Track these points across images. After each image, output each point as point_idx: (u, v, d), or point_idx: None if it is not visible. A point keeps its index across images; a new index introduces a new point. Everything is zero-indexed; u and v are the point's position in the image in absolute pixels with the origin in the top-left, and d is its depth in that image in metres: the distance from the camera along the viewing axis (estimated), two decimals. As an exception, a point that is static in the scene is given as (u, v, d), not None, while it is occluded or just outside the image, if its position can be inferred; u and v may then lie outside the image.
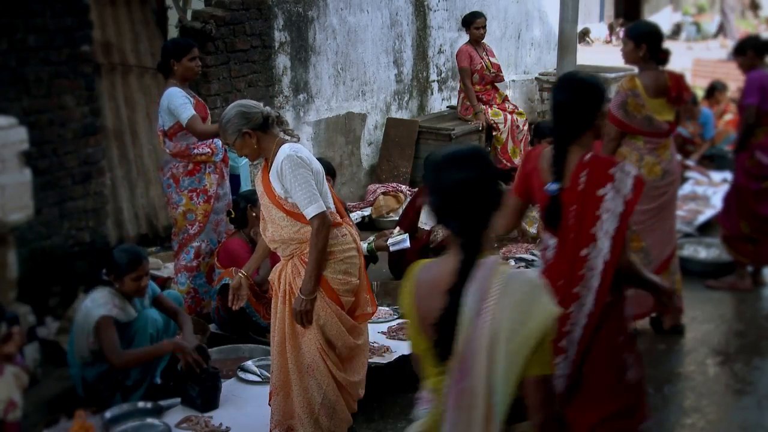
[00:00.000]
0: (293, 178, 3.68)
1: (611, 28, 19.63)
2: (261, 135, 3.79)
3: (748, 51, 6.39)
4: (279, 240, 3.81)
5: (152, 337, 4.45)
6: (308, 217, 3.68)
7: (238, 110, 3.80)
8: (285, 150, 3.74)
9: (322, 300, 3.74)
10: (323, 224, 3.67)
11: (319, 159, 6.27)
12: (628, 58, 5.25)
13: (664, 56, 5.21)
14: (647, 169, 5.19)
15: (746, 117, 6.07)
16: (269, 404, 3.96)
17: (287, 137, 3.86)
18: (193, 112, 5.19)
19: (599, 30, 20.55)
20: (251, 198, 5.10)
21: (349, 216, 5.93)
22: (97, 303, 4.27)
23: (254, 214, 5.11)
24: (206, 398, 4.23)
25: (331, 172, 5.49)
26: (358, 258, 3.86)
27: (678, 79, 5.23)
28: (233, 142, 3.82)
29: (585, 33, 19.45)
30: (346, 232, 3.85)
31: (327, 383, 3.77)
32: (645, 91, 5.15)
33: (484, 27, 8.89)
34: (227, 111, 3.84)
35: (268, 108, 3.86)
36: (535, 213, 6.86)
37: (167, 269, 5.76)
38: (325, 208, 3.70)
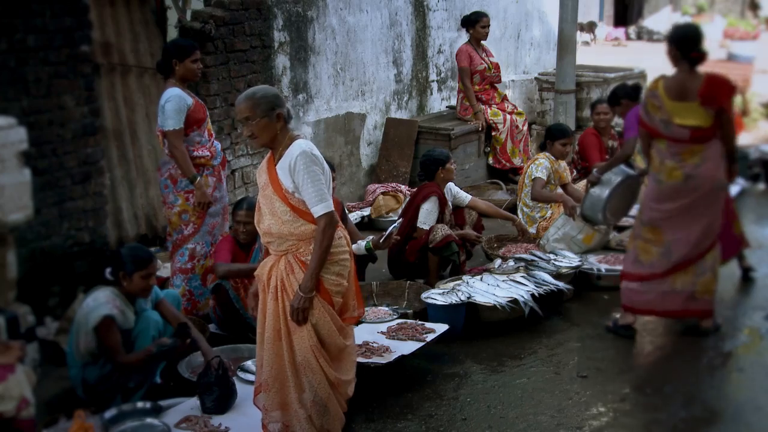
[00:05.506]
0: (306, 174, 3.66)
1: (589, 27, 19.50)
2: (284, 124, 3.77)
3: (622, 100, 6.88)
4: (276, 234, 3.77)
5: (154, 339, 4.45)
6: (316, 215, 3.67)
7: (275, 92, 3.78)
8: (301, 145, 3.72)
9: (316, 299, 3.73)
10: (330, 224, 3.67)
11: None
12: (668, 58, 5.20)
13: (695, 57, 5.09)
14: (666, 173, 5.17)
15: (624, 148, 6.39)
16: (254, 402, 3.94)
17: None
18: (181, 125, 5.19)
19: (599, 30, 20.54)
20: None
21: (348, 219, 5.96)
22: (99, 302, 4.28)
23: None
24: (221, 405, 4.25)
25: (331, 167, 5.48)
26: (350, 262, 3.87)
27: (713, 81, 5.08)
28: (259, 119, 3.68)
29: (591, 26, 19.33)
30: (341, 235, 3.84)
31: (318, 381, 3.77)
32: (665, 93, 5.09)
33: (489, 26, 8.92)
34: (259, 87, 3.80)
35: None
36: (535, 213, 6.89)
37: (166, 269, 5.76)
38: (333, 208, 3.70)
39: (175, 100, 5.19)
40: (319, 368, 3.76)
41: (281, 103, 3.75)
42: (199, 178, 5.29)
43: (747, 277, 6.33)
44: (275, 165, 3.76)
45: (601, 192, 6.45)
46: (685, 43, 5.10)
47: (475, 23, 8.84)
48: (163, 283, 5.54)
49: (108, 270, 4.37)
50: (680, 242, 5.23)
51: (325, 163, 3.81)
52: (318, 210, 3.66)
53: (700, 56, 5.12)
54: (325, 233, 3.66)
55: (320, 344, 3.77)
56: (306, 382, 3.77)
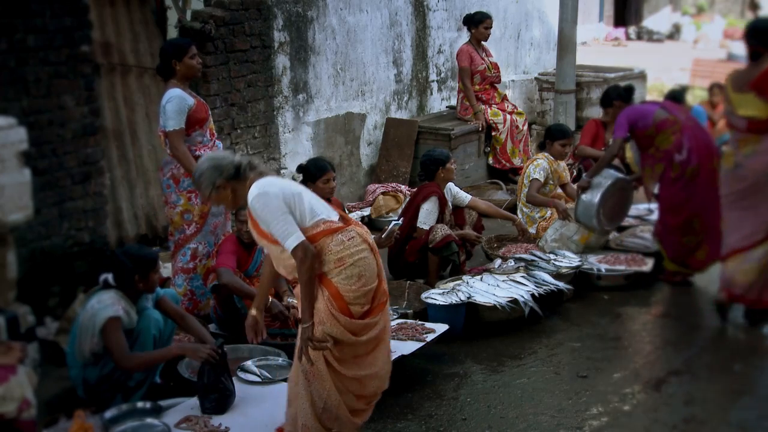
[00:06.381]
0: (265, 214, 3.67)
1: None
2: (235, 184, 3.83)
3: (615, 102, 6.86)
4: (286, 268, 3.83)
5: (155, 337, 4.46)
6: (289, 251, 3.65)
7: (209, 164, 3.84)
8: (252, 191, 3.73)
9: (327, 311, 3.69)
10: (306, 255, 3.63)
11: (316, 158, 6.36)
12: None
13: (751, 50, 5.20)
14: (725, 158, 5.42)
15: (611, 147, 6.39)
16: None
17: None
18: (182, 125, 5.19)
19: (599, 30, 20.55)
20: None
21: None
22: (105, 303, 4.28)
23: None
24: (220, 405, 4.24)
25: (327, 168, 5.51)
26: (371, 256, 3.79)
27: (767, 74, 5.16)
28: (209, 195, 3.85)
29: None
30: (353, 234, 3.77)
31: (328, 389, 3.74)
32: (731, 85, 5.26)
33: (491, 27, 8.94)
34: (199, 165, 3.89)
35: (238, 156, 3.90)
36: (535, 213, 6.89)
37: (166, 269, 5.76)
38: (303, 238, 3.65)
39: (175, 101, 5.19)
40: (328, 376, 3.73)
41: (219, 170, 3.79)
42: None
43: None
44: (249, 215, 3.83)
45: (592, 197, 6.42)
46: (748, 38, 5.25)
47: (478, 23, 8.84)
48: (164, 282, 5.54)
49: (109, 276, 4.38)
50: (731, 229, 5.38)
51: (289, 186, 3.79)
52: (289, 245, 3.63)
53: (756, 50, 5.19)
54: (303, 266, 3.63)
55: (334, 345, 3.73)
56: (315, 392, 3.75)
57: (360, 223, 3.98)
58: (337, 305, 3.69)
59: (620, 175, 6.52)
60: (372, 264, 3.78)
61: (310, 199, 3.79)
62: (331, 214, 3.81)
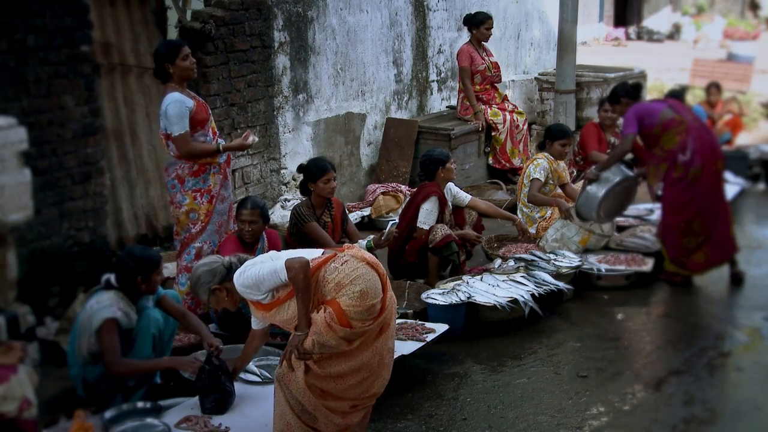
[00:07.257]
0: (250, 280, 3.82)
1: None
2: (228, 284, 3.95)
3: (622, 99, 6.92)
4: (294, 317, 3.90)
5: (154, 337, 4.46)
6: (288, 276, 3.74)
7: (202, 270, 4.00)
8: (235, 284, 3.90)
9: (325, 322, 3.71)
10: (299, 267, 3.72)
11: (316, 158, 6.38)
12: None
13: None
14: None
15: (623, 143, 6.36)
16: None
17: None
18: (186, 128, 5.18)
19: (599, 30, 20.55)
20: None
21: (348, 219, 5.95)
22: (103, 305, 4.29)
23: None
24: (220, 405, 4.24)
25: (328, 168, 5.58)
26: (371, 271, 3.81)
27: None
28: (207, 299, 4.03)
29: None
30: (346, 258, 3.83)
31: (302, 393, 3.77)
32: None
33: (492, 28, 8.95)
34: (193, 273, 4.05)
35: (228, 258, 4.04)
36: (535, 213, 6.88)
37: (167, 269, 5.76)
38: (283, 263, 3.75)
39: (175, 105, 5.17)
40: (303, 382, 3.76)
41: (212, 274, 3.97)
42: (221, 143, 5.33)
43: (735, 281, 6.31)
44: (250, 303, 3.96)
45: (598, 190, 6.43)
46: None
47: (480, 24, 8.84)
48: (164, 282, 5.53)
49: (111, 276, 4.38)
50: None
51: (259, 257, 3.96)
52: (281, 272, 3.75)
53: None
54: (297, 278, 3.73)
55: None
56: (289, 394, 3.80)
57: (353, 245, 4.05)
58: (338, 320, 3.72)
59: (630, 173, 6.53)
60: (373, 278, 3.80)
61: (285, 253, 3.94)
62: (312, 253, 3.91)
